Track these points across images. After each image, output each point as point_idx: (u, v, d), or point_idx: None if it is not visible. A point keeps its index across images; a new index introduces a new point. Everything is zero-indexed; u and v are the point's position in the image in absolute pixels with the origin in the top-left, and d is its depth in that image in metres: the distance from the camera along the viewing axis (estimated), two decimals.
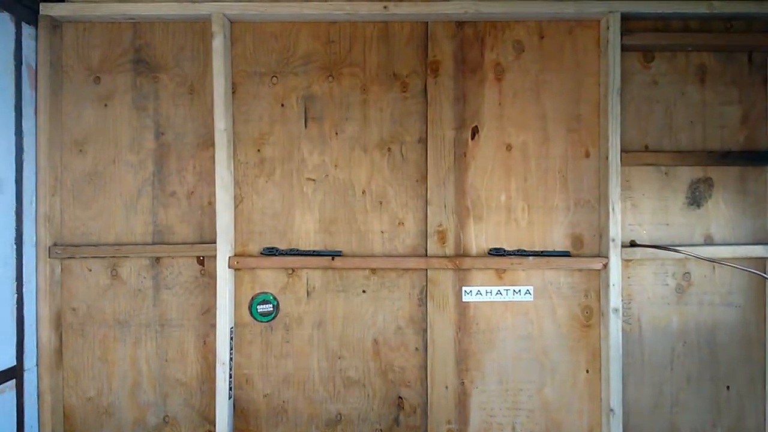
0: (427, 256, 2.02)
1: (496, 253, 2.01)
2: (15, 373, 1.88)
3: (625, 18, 1.96)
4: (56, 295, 2.03)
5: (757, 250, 2.00)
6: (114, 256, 2.03)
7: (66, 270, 2.05)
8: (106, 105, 2.06)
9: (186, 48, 2.06)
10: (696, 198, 2.04)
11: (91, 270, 2.05)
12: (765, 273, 2.00)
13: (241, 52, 2.05)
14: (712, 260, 1.95)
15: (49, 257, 2.00)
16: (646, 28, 2.01)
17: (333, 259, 2.00)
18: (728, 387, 2.03)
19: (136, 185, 2.05)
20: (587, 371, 2.02)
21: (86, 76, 2.06)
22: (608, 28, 1.96)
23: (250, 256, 2.03)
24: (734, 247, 2.00)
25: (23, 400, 1.92)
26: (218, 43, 1.97)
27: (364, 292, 2.04)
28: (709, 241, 2.04)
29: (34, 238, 1.99)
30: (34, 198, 1.99)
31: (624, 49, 1.97)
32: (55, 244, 2.02)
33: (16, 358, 1.89)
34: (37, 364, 1.99)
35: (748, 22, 2.03)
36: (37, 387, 1.99)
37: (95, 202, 2.06)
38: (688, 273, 2.03)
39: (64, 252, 2.01)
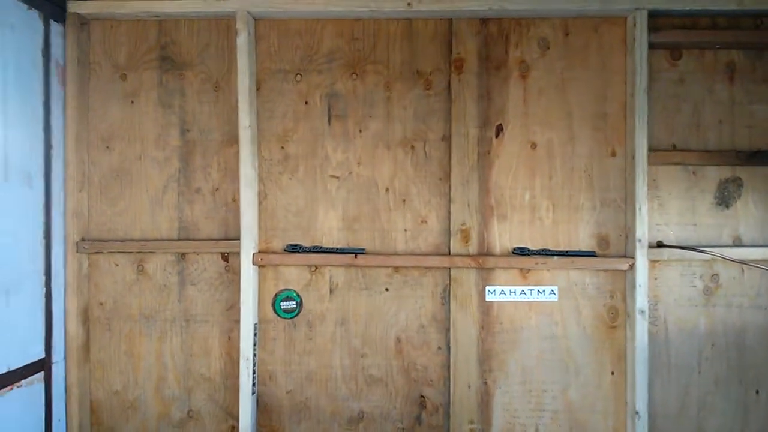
0: (450, 254, 2.01)
1: (520, 252, 2.00)
2: (43, 365, 1.91)
3: (652, 15, 1.93)
4: (84, 290, 2.06)
5: None
6: (140, 252, 2.05)
7: (93, 265, 2.08)
8: (132, 102, 2.08)
9: (211, 45, 2.07)
10: (724, 198, 2.01)
11: (117, 265, 2.07)
12: None
13: (266, 50, 2.05)
14: (741, 262, 1.92)
15: (77, 252, 2.03)
16: (674, 26, 1.98)
17: (356, 256, 2.00)
18: (757, 391, 2.00)
19: (162, 181, 2.07)
20: (612, 373, 2.00)
21: (113, 73, 2.09)
22: (635, 25, 1.93)
23: (274, 252, 2.04)
24: (764, 249, 1.96)
25: (51, 393, 1.95)
26: (243, 41, 1.98)
27: (386, 290, 2.04)
28: (737, 243, 2.01)
29: (63, 233, 2.02)
30: (62, 194, 2.02)
31: (651, 46, 1.94)
32: (82, 239, 2.05)
33: (45, 350, 1.92)
34: (64, 358, 2.02)
35: None
36: (65, 380, 2.02)
37: (122, 198, 2.08)
38: (716, 275, 2.00)
39: (92, 247, 2.04)
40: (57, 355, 1.99)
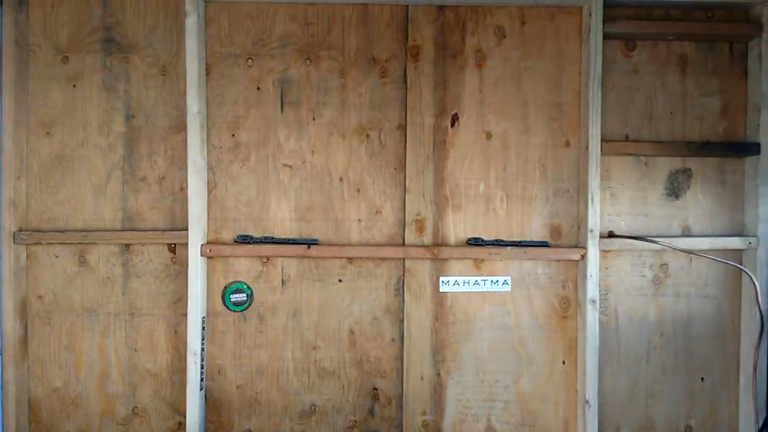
0: (404, 245, 1.98)
1: (474, 242, 1.99)
2: None
3: (608, 5, 1.92)
4: (21, 283, 1.96)
5: (734, 242, 2.00)
6: (82, 243, 1.96)
7: (32, 257, 1.98)
8: (74, 86, 1.98)
9: (158, 28, 1.98)
10: (675, 189, 2.03)
11: (58, 257, 1.98)
12: (742, 265, 1.99)
13: (216, 33, 1.98)
14: (689, 252, 1.94)
15: (14, 243, 1.93)
16: (628, 16, 1.98)
17: (309, 247, 1.96)
18: (703, 378, 2.04)
19: (105, 169, 1.98)
20: (564, 362, 2.01)
21: (54, 56, 1.98)
22: (590, 14, 1.92)
23: (224, 243, 1.98)
24: (711, 239, 2.00)
25: None
26: (192, 23, 1.90)
27: (340, 281, 2.00)
28: (686, 233, 2.03)
29: None
30: None
31: (606, 36, 1.94)
32: (20, 230, 1.95)
33: None
34: (0, 354, 1.92)
35: (729, 12, 2.01)
36: (1, 377, 1.93)
37: (63, 187, 1.98)
38: (665, 264, 2.02)
39: (30, 238, 1.94)
40: None
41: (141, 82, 1.99)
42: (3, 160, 1.93)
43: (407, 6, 1.98)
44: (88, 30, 1.98)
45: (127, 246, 1.98)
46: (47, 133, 1.98)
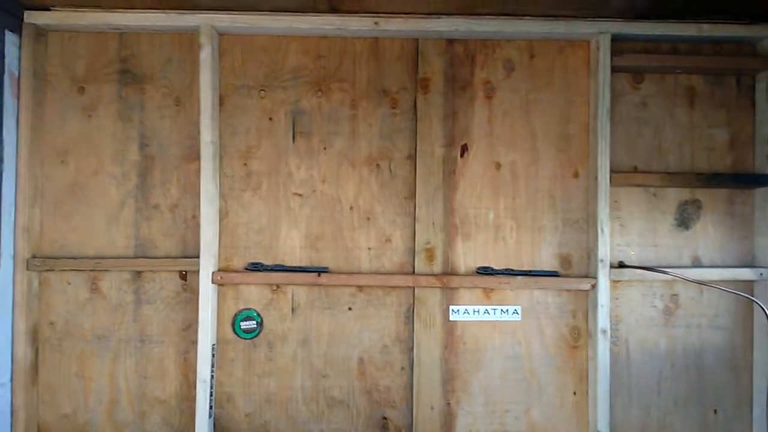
0: (414, 273, 1.99)
1: (484, 271, 1.99)
2: None
3: (615, 39, 1.96)
4: (33, 309, 1.97)
5: (745, 273, 2.00)
6: (94, 270, 1.98)
7: (44, 283, 2.00)
8: (90, 115, 2.02)
9: (173, 59, 2.03)
10: (684, 220, 2.04)
11: (70, 283, 2.00)
12: (752, 296, 1.99)
13: (230, 65, 2.02)
14: (700, 282, 1.94)
15: (27, 270, 1.94)
16: (636, 50, 2.01)
17: (319, 275, 1.97)
18: (715, 410, 2.02)
19: (119, 197, 2.01)
20: (575, 393, 1.99)
21: (70, 86, 2.02)
22: (598, 48, 1.95)
23: (234, 271, 1.99)
24: (722, 270, 1.99)
25: None
26: (206, 55, 1.94)
27: (350, 309, 2.01)
28: (697, 263, 2.03)
29: (12, 250, 1.93)
30: (13, 209, 1.94)
31: (614, 70, 1.96)
32: (33, 257, 1.97)
33: None
34: (11, 380, 1.93)
35: (736, 46, 2.04)
36: (11, 403, 1.92)
37: (76, 214, 2.01)
38: (675, 295, 2.02)
39: (43, 264, 1.96)
40: (3, 378, 1.90)
41: (155, 112, 2.02)
42: (18, 187, 1.95)
43: (417, 39, 2.02)
44: (104, 61, 2.03)
45: (139, 273, 2.00)
46: (62, 162, 2.02)
